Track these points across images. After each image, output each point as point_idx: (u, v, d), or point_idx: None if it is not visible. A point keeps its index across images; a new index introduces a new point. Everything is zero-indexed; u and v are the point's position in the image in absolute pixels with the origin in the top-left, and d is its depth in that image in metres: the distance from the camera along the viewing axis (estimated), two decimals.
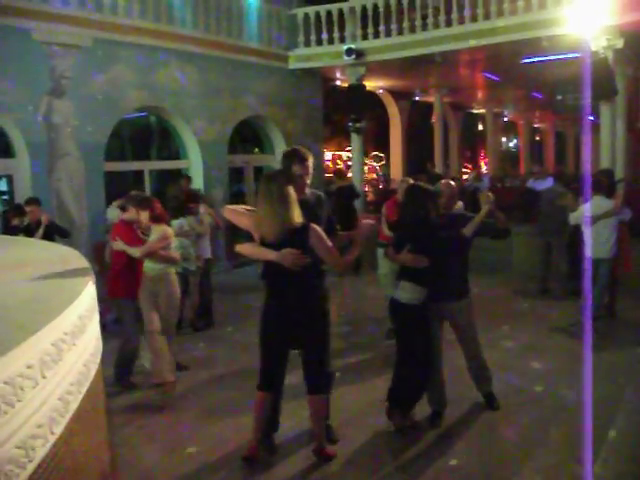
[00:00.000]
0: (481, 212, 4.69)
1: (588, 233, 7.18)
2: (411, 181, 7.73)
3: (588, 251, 7.18)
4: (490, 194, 4.90)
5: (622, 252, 7.46)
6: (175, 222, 7.05)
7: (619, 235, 7.32)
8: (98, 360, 2.65)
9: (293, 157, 4.21)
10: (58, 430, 2.01)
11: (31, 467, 1.82)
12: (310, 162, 4.22)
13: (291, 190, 3.84)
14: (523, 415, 4.93)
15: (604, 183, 7.37)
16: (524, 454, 4.32)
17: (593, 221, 7.09)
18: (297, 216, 3.83)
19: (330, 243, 3.90)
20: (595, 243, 7.13)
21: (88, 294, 2.52)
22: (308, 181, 4.23)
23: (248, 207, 4.16)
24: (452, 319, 4.86)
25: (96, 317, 2.69)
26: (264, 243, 3.88)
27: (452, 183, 5.18)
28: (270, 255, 3.84)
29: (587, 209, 7.13)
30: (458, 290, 4.81)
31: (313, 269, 3.93)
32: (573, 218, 7.44)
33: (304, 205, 3.97)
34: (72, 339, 2.18)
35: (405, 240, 4.55)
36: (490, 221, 4.78)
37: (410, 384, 4.64)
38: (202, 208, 7.84)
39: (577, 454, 4.18)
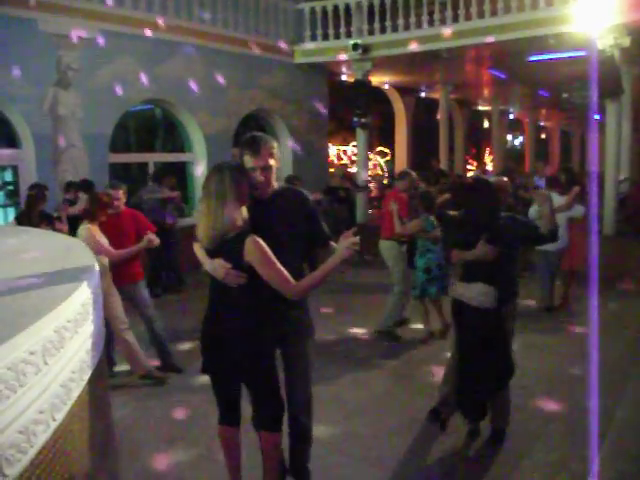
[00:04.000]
0: (545, 212, 4.33)
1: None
2: (414, 174, 7.75)
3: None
4: (546, 192, 4.67)
5: (574, 247, 7.79)
6: None
7: (571, 230, 7.76)
8: (101, 348, 2.67)
9: (244, 146, 3.24)
10: (59, 416, 2.03)
11: (32, 452, 1.84)
12: (267, 151, 3.20)
13: (237, 186, 3.00)
14: (520, 413, 4.94)
15: (561, 180, 7.93)
16: (523, 450, 4.34)
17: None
18: (237, 220, 3.02)
19: (274, 262, 2.98)
20: None
21: (92, 282, 2.54)
22: (270, 175, 3.24)
23: None
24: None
25: (100, 305, 2.70)
26: (205, 248, 3.17)
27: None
28: (205, 263, 3.13)
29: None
30: (514, 292, 4.50)
31: (254, 290, 3.06)
32: (531, 212, 7.91)
33: (264, 207, 3.20)
34: (75, 327, 2.20)
35: (476, 235, 4.14)
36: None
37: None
38: None
39: (578, 452, 4.19)
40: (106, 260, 5.40)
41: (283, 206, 3.29)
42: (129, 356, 5.69)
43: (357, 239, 3.04)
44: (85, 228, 5.49)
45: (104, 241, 5.56)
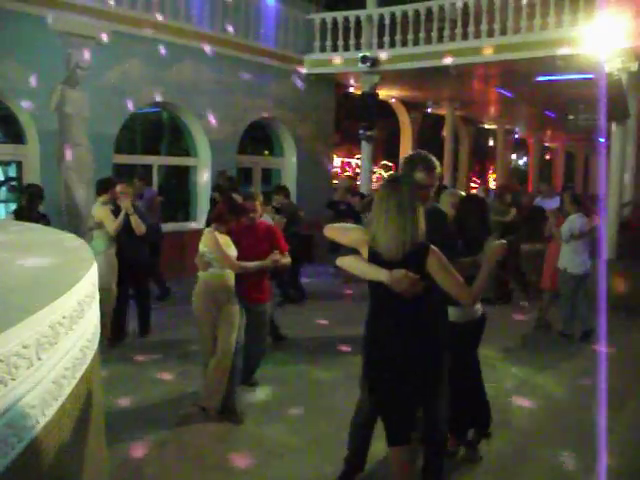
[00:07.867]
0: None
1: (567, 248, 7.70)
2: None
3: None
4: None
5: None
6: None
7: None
8: (95, 347, 2.65)
9: (418, 163, 3.46)
10: (50, 413, 2.01)
11: (20, 447, 1.83)
12: (438, 171, 3.49)
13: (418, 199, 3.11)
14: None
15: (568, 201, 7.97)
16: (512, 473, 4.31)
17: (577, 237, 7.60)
18: (422, 234, 3.06)
19: (453, 269, 3.07)
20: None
21: (89, 280, 2.53)
22: (433, 192, 3.53)
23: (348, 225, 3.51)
24: None
25: (96, 304, 2.69)
26: (375, 260, 3.08)
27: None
28: (380, 275, 3.02)
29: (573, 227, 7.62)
30: None
31: (430, 302, 3.14)
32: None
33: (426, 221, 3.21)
34: (70, 323, 2.19)
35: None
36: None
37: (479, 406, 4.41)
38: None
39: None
40: (230, 275, 4.89)
41: (431, 218, 3.34)
42: (215, 384, 4.84)
43: (504, 242, 3.27)
44: (209, 232, 4.87)
45: (230, 252, 4.90)
